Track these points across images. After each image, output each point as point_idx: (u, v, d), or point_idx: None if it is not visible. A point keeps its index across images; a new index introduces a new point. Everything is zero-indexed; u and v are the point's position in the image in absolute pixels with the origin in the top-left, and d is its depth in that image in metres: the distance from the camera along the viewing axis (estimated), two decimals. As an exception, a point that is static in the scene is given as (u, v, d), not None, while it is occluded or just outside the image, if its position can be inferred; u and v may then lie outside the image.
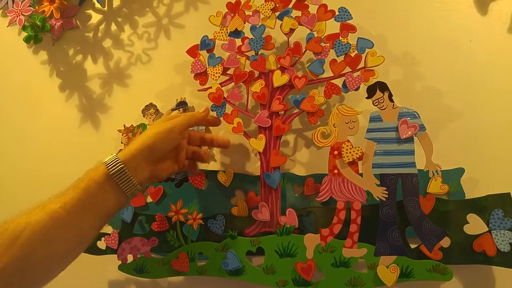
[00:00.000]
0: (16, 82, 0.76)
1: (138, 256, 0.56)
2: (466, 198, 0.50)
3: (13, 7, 0.71)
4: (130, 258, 0.56)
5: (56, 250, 0.39)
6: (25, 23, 0.70)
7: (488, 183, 0.50)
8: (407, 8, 0.59)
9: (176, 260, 0.54)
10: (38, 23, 0.71)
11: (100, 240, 0.59)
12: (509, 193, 0.46)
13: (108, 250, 0.59)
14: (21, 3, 0.70)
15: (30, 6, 0.70)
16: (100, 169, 0.42)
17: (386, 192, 0.48)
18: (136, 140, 0.46)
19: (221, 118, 0.57)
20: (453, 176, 0.51)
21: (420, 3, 0.59)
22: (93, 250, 0.59)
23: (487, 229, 0.47)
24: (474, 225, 0.47)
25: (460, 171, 0.51)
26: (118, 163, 0.42)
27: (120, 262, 0.56)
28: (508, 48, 0.54)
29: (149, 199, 0.60)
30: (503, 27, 0.54)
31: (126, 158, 0.43)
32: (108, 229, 0.61)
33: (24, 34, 0.74)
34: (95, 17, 0.75)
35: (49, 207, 0.40)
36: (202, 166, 0.61)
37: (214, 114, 0.58)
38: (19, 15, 0.70)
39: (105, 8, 0.75)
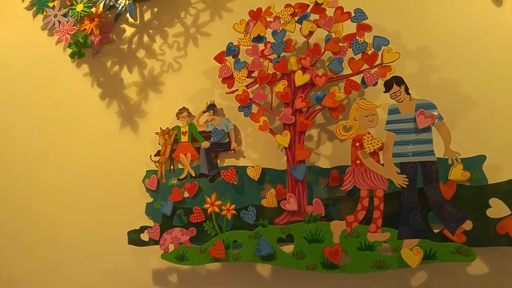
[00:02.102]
0: (62, 93, 0.86)
1: (179, 245, 0.62)
2: (488, 183, 0.52)
3: (59, 27, 0.80)
4: (171, 247, 0.63)
5: None
6: (71, 41, 0.78)
7: (511, 168, 0.52)
8: (420, 4, 0.62)
9: (213, 248, 0.60)
10: (81, 40, 0.80)
11: (143, 233, 0.66)
12: (530, 177, 0.48)
13: (151, 242, 0.66)
14: (66, 24, 0.79)
15: (74, 25, 0.79)
16: None
17: (407, 180, 0.52)
18: None
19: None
20: (475, 163, 0.53)
21: (435, 2, 0.62)
22: (137, 242, 0.67)
23: (509, 212, 0.49)
24: (497, 209, 0.50)
25: (481, 158, 0.53)
26: None
27: (162, 251, 0.63)
28: (525, 36, 0.56)
29: (186, 194, 0.66)
30: (519, 17, 0.56)
31: None
32: (150, 222, 0.68)
33: (68, 50, 0.83)
34: (129, 31, 0.83)
35: None
36: (232, 162, 0.67)
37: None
38: (65, 34, 0.79)
39: (137, 22, 0.82)
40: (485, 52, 0.58)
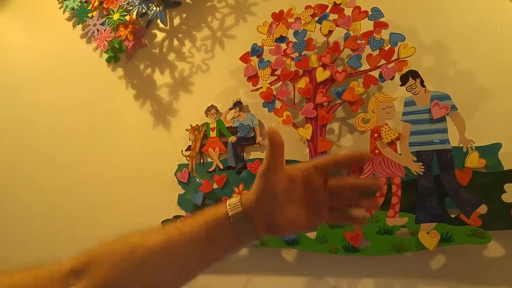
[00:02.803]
0: (100, 95, 0.97)
1: (209, 231, 0.70)
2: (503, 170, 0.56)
3: (98, 35, 0.92)
4: (202, 233, 0.71)
5: (161, 276, 0.39)
6: (108, 47, 0.89)
7: (526, 155, 0.56)
8: (439, 2, 0.67)
9: (241, 233, 0.67)
10: (117, 45, 0.90)
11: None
12: (544, 163, 0.53)
13: (184, 229, 0.74)
14: (104, 31, 0.91)
15: (111, 33, 0.90)
16: (222, 211, 0.39)
17: (423, 167, 0.57)
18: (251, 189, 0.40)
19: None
20: (491, 151, 0.57)
21: (451, -5, 0.67)
22: (171, 229, 0.75)
23: (524, 197, 0.53)
24: (511, 193, 0.54)
25: (497, 146, 0.57)
26: (241, 211, 0.39)
27: (194, 237, 0.71)
28: (541, 28, 0.60)
29: (215, 186, 0.75)
30: (535, 9, 0.60)
31: (251, 203, 0.39)
32: (182, 212, 0.76)
33: (104, 55, 0.94)
34: (160, 35, 0.93)
35: (168, 232, 0.39)
36: (258, 155, 0.74)
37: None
38: (103, 41, 0.90)
39: (168, 27, 0.92)
40: (500, 44, 0.62)
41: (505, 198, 0.54)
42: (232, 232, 0.39)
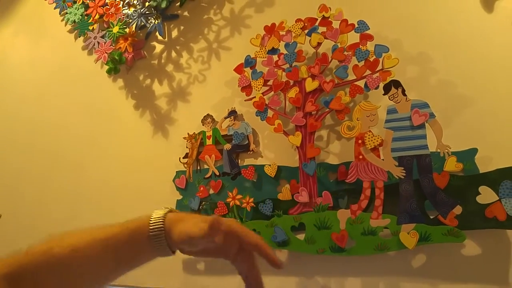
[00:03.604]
0: (101, 104, 1.05)
1: (206, 234, 0.77)
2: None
3: (98, 47, 1.00)
4: (199, 236, 0.78)
5: (86, 280, 0.45)
6: (108, 59, 0.98)
7: (500, 159, 0.62)
8: (419, 14, 0.75)
9: (235, 236, 0.74)
10: (117, 57, 0.99)
11: (175, 225, 0.82)
12: (515, 166, 0.59)
13: (181, 233, 0.81)
14: (104, 44, 0.99)
15: (111, 45, 0.98)
16: (144, 221, 0.44)
17: (404, 172, 0.64)
18: (186, 221, 0.44)
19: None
20: (468, 155, 0.64)
21: (431, 8, 0.74)
22: (170, 233, 0.82)
23: (497, 198, 0.59)
24: (486, 195, 0.60)
25: (473, 151, 0.64)
26: (160, 223, 0.44)
27: (192, 240, 0.78)
28: (514, 40, 0.67)
29: (211, 191, 0.82)
30: (508, 22, 0.67)
31: (170, 225, 0.44)
32: (180, 216, 0.84)
33: (105, 67, 1.03)
34: (158, 47, 1.01)
35: (94, 236, 0.45)
36: (251, 161, 0.82)
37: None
38: (104, 53, 0.98)
39: (166, 39, 1.01)
40: (479, 54, 0.69)
41: (480, 199, 0.61)
42: (149, 244, 0.43)
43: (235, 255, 0.46)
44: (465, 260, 0.62)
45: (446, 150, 0.63)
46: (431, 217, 0.63)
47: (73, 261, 0.44)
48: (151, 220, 0.44)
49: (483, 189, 0.61)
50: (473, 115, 0.67)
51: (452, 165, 0.63)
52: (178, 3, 0.99)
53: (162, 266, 0.85)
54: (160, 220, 0.44)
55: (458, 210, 0.60)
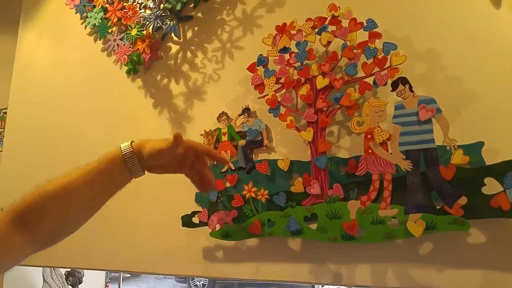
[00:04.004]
0: (121, 104, 1.11)
1: (224, 225, 0.83)
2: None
3: (118, 49, 1.06)
4: (217, 227, 0.84)
5: (80, 206, 0.60)
6: (127, 60, 1.03)
7: (506, 152, 0.65)
8: (427, 11, 0.78)
9: (251, 226, 0.80)
10: (135, 58, 1.04)
11: (194, 217, 0.88)
12: (519, 159, 0.62)
13: (200, 224, 0.87)
14: (124, 46, 1.05)
15: (129, 47, 1.04)
16: (116, 150, 0.62)
17: (411, 164, 0.68)
18: (153, 140, 0.66)
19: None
20: (474, 148, 0.67)
21: (439, 5, 0.77)
22: (189, 224, 0.89)
23: (502, 189, 0.63)
24: (491, 186, 0.63)
25: (480, 144, 0.67)
26: (131, 150, 0.62)
27: (210, 230, 0.84)
28: (520, 35, 0.69)
29: (228, 184, 0.87)
30: (514, 18, 0.70)
31: (139, 146, 0.63)
32: (199, 208, 0.89)
33: (124, 67, 1.08)
34: (174, 48, 1.06)
35: (79, 172, 0.59)
36: (265, 156, 0.86)
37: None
38: (123, 55, 1.04)
39: (181, 40, 1.06)
40: (486, 50, 0.71)
41: (485, 190, 0.64)
42: (125, 166, 0.62)
43: (189, 168, 0.69)
44: (470, 247, 0.65)
45: (453, 144, 0.66)
46: (438, 207, 0.67)
47: (65, 192, 0.58)
48: (122, 149, 0.62)
49: (488, 180, 0.64)
50: (479, 110, 0.70)
51: (459, 158, 0.67)
52: (192, 5, 1.04)
53: (183, 254, 0.92)
54: (129, 147, 0.63)
55: (463, 200, 0.64)
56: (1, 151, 1.59)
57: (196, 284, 6.92)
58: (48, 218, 0.58)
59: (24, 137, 1.30)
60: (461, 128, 0.68)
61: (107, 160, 0.61)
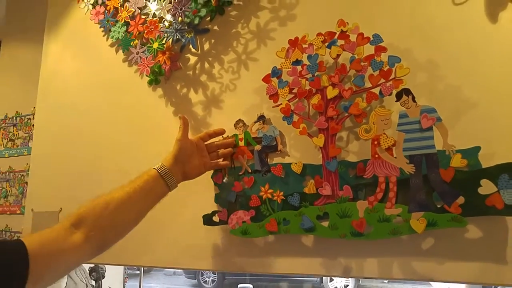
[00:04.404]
0: (143, 111, 1.20)
1: (242, 223, 0.91)
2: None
3: (140, 62, 1.15)
4: (237, 225, 0.92)
5: (128, 217, 0.77)
6: (150, 72, 1.12)
7: (500, 156, 0.73)
8: (428, 25, 0.85)
9: (268, 224, 0.88)
10: (157, 70, 1.13)
11: (214, 216, 0.97)
12: (512, 162, 0.69)
13: (221, 222, 0.96)
14: (146, 58, 1.14)
15: (152, 60, 1.13)
16: (153, 171, 0.83)
17: (414, 168, 0.75)
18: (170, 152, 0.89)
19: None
20: (472, 153, 0.74)
21: (439, 20, 0.84)
22: (210, 222, 0.97)
23: (496, 190, 0.70)
24: (486, 187, 0.71)
25: (477, 149, 0.74)
26: (165, 168, 0.84)
27: (230, 228, 0.93)
28: (514, 49, 0.76)
29: (245, 186, 0.95)
30: (510, 31, 0.77)
31: (169, 163, 0.86)
32: (218, 208, 0.98)
33: (145, 77, 1.17)
34: (192, 59, 1.15)
35: (125, 190, 0.77)
36: (279, 160, 0.95)
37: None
38: (146, 67, 1.13)
39: (199, 51, 1.14)
40: (483, 61, 0.79)
41: (481, 191, 0.71)
42: (163, 182, 0.83)
43: (209, 162, 0.96)
44: (467, 242, 0.73)
45: (451, 149, 0.74)
46: (438, 206, 0.74)
47: (116, 206, 0.74)
48: (158, 169, 0.84)
49: (484, 182, 0.72)
50: (476, 117, 0.78)
51: (457, 161, 0.74)
52: (208, 18, 1.12)
53: (204, 250, 1.00)
54: (162, 166, 0.85)
55: (461, 200, 0.72)
56: (26, 154, 1.70)
57: (206, 280, 7.08)
58: (101, 221, 0.72)
59: (50, 142, 1.40)
60: (459, 134, 0.75)
61: (149, 180, 0.81)
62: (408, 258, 0.78)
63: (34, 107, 1.63)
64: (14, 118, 1.77)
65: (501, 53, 0.78)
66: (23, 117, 1.75)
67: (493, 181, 0.71)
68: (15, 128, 1.75)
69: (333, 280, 6.48)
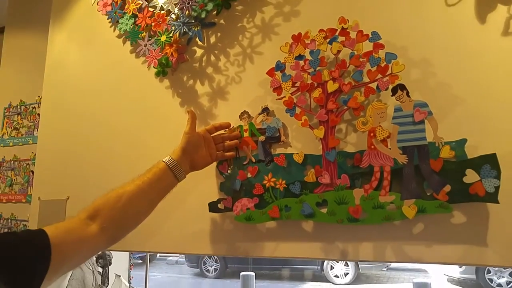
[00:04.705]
0: (150, 102, 1.30)
1: (246, 210, 1.02)
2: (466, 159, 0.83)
3: (148, 54, 1.25)
4: (241, 212, 1.03)
5: (140, 209, 0.87)
6: (158, 64, 1.22)
7: (484, 148, 0.83)
8: (423, 25, 0.94)
9: (271, 211, 0.99)
10: (164, 62, 1.23)
11: (220, 203, 1.07)
12: (494, 153, 0.79)
13: (226, 209, 1.06)
14: (154, 51, 1.23)
15: (159, 52, 1.22)
16: (162, 164, 0.92)
17: (407, 158, 0.86)
18: (178, 145, 0.99)
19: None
20: (459, 144, 0.84)
21: (433, 20, 0.93)
22: (215, 209, 1.08)
23: (479, 178, 0.80)
24: (470, 176, 0.81)
25: (463, 141, 0.84)
26: (173, 161, 0.93)
27: (235, 215, 1.03)
28: (501, 49, 0.86)
29: (249, 175, 1.06)
30: (497, 32, 0.86)
31: (178, 156, 0.95)
32: (224, 196, 1.08)
33: (153, 69, 1.27)
34: (199, 52, 1.24)
35: (135, 183, 0.87)
36: (282, 150, 1.05)
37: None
38: (154, 59, 1.23)
39: (205, 44, 1.24)
40: (471, 59, 0.88)
41: (466, 180, 0.82)
42: (172, 173, 0.92)
43: (215, 153, 1.06)
44: (453, 226, 0.84)
45: (440, 141, 0.84)
46: (428, 194, 0.85)
47: (129, 198, 0.84)
48: (167, 162, 0.93)
49: (468, 171, 0.82)
50: (463, 112, 0.87)
51: (446, 153, 0.84)
52: (215, 12, 1.21)
53: (209, 236, 1.11)
54: (171, 159, 0.95)
55: (447, 188, 0.82)
56: (31, 143, 1.81)
57: (208, 269, 7.30)
58: (115, 214, 0.82)
59: (57, 131, 1.50)
60: (448, 127, 0.85)
61: (158, 173, 0.91)
62: (400, 242, 0.89)
63: (39, 96, 1.74)
64: (19, 106, 1.87)
65: (488, 52, 0.87)
66: (27, 106, 1.85)
67: (477, 171, 0.81)
68: (19, 117, 1.85)
69: (333, 268, 6.72)
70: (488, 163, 0.80)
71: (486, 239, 0.81)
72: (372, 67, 0.93)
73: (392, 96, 0.90)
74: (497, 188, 0.78)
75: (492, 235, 0.81)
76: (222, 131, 1.11)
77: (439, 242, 0.85)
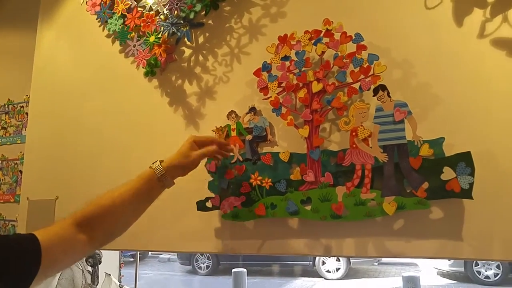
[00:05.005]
0: (139, 102, 1.36)
1: (234, 208, 1.09)
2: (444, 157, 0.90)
3: (137, 54, 1.31)
4: (228, 210, 1.09)
5: (129, 218, 0.92)
6: (146, 64, 1.28)
7: (460, 146, 0.90)
8: (404, 27, 1.02)
9: (257, 208, 1.06)
10: (153, 62, 1.29)
11: (208, 202, 1.14)
12: (469, 151, 0.87)
13: (213, 207, 1.13)
14: (143, 51, 1.30)
15: (148, 52, 1.29)
16: (150, 172, 0.94)
17: (387, 157, 0.93)
18: (174, 156, 1.01)
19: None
20: (437, 143, 0.91)
21: (414, 22, 1.00)
22: (203, 208, 1.15)
23: (454, 175, 0.87)
24: (447, 173, 0.88)
25: (441, 139, 0.91)
26: (161, 170, 0.95)
27: (222, 213, 1.10)
28: (477, 51, 0.93)
29: (236, 173, 1.13)
30: (473, 35, 0.93)
31: (166, 166, 0.96)
32: (211, 194, 1.15)
33: (141, 69, 1.33)
34: (187, 52, 1.31)
35: (125, 192, 0.90)
36: (269, 149, 1.12)
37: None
38: (142, 60, 1.29)
39: (193, 44, 1.30)
40: (449, 60, 0.95)
41: (443, 177, 0.89)
42: (159, 183, 0.95)
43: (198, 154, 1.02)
44: (431, 222, 0.91)
45: (419, 140, 0.91)
46: (408, 191, 0.92)
47: (117, 204, 0.88)
48: (155, 170, 0.95)
49: (445, 169, 0.89)
50: (442, 111, 0.95)
51: (425, 151, 0.91)
52: (203, 13, 1.28)
53: (197, 234, 1.18)
54: (160, 167, 0.95)
55: (425, 185, 0.89)
56: (19, 142, 1.87)
57: (200, 266, 7.42)
58: (104, 223, 0.87)
59: (45, 130, 1.56)
60: (427, 127, 0.92)
61: (145, 179, 0.94)
62: (381, 238, 0.96)
63: (27, 95, 1.80)
64: (6, 106, 1.93)
65: (465, 54, 0.94)
66: (15, 105, 1.91)
67: (453, 168, 0.88)
68: (7, 116, 1.91)
69: (325, 263, 6.94)
70: (463, 161, 0.87)
71: (461, 233, 0.88)
72: (355, 68, 1.00)
73: (373, 96, 0.96)
74: (471, 184, 0.85)
75: (467, 230, 0.88)
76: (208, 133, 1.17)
77: (418, 237, 0.92)
